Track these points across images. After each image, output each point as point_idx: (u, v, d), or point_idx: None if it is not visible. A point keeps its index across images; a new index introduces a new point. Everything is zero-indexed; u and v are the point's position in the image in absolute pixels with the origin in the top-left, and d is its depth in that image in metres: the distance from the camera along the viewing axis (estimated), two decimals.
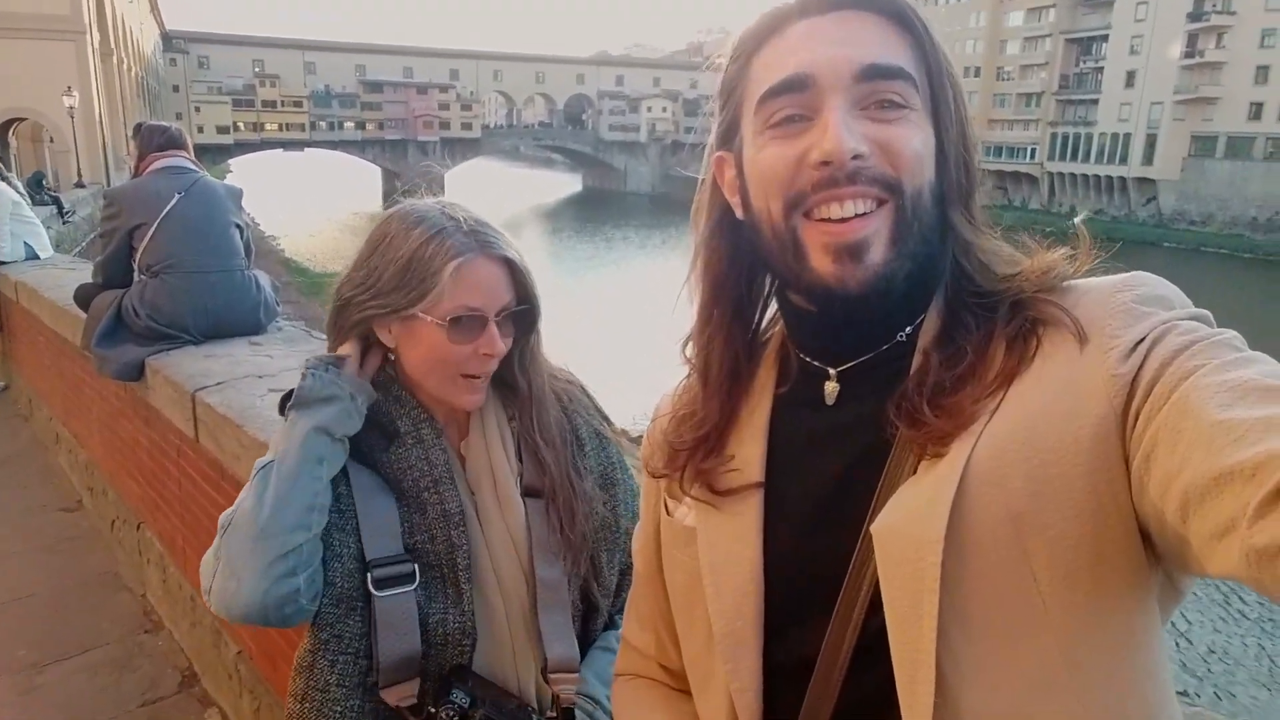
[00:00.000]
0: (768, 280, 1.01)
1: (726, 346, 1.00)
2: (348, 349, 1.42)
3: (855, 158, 0.83)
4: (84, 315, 3.89)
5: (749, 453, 0.98)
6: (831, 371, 0.94)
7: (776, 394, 0.99)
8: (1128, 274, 0.85)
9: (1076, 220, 0.87)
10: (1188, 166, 62.88)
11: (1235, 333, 0.76)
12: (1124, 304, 0.81)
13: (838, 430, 0.93)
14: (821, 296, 0.88)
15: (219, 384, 3.14)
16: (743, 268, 0.99)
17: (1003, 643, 0.80)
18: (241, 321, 3.82)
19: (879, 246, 0.84)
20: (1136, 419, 0.75)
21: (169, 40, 77.19)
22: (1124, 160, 65.52)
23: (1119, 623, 0.81)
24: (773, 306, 1.03)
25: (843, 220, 0.84)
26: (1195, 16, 62.67)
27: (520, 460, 1.45)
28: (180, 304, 3.66)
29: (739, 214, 0.96)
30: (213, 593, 1.33)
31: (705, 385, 1.02)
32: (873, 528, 0.84)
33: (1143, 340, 0.77)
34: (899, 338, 0.91)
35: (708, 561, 0.97)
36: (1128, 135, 65.76)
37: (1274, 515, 0.57)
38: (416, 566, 1.36)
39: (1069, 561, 0.78)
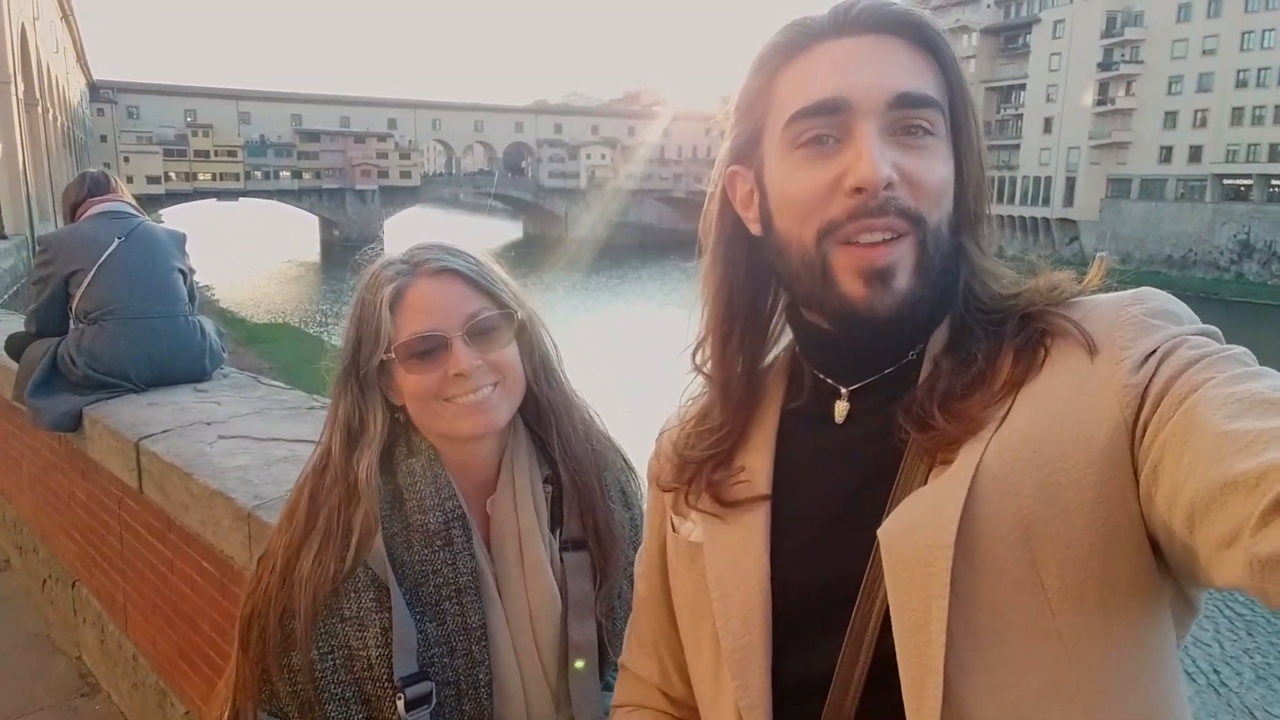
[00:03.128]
0: (775, 294, 1.01)
1: (740, 356, 1.00)
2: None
3: (886, 187, 0.83)
4: (15, 366, 3.74)
5: (757, 465, 0.98)
6: (843, 390, 0.94)
7: (785, 409, 1.00)
8: (1136, 289, 0.86)
9: (1101, 254, 0.91)
10: (1105, 207, 65.71)
11: (1244, 348, 0.76)
12: (1134, 317, 0.82)
13: (847, 445, 0.93)
14: (847, 319, 0.88)
15: (165, 432, 3.03)
16: (755, 281, 0.99)
17: (1011, 651, 0.79)
18: (186, 368, 3.71)
19: (904, 274, 0.85)
20: (1145, 430, 0.75)
21: (96, 90, 75.61)
22: (1046, 202, 68.19)
23: (1129, 635, 0.80)
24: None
25: (873, 245, 0.84)
26: (1105, 66, 66.03)
27: (555, 515, 1.36)
28: (121, 351, 3.54)
29: (754, 230, 0.95)
30: None
31: (726, 397, 1.01)
32: (880, 532, 0.83)
33: (1154, 352, 0.77)
34: (910, 356, 0.92)
35: (714, 576, 0.96)
36: (1048, 179, 68.55)
37: (1276, 524, 0.57)
38: (434, 686, 1.26)
39: (1079, 571, 0.77)
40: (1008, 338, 0.87)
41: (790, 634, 0.92)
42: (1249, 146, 59.78)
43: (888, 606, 0.82)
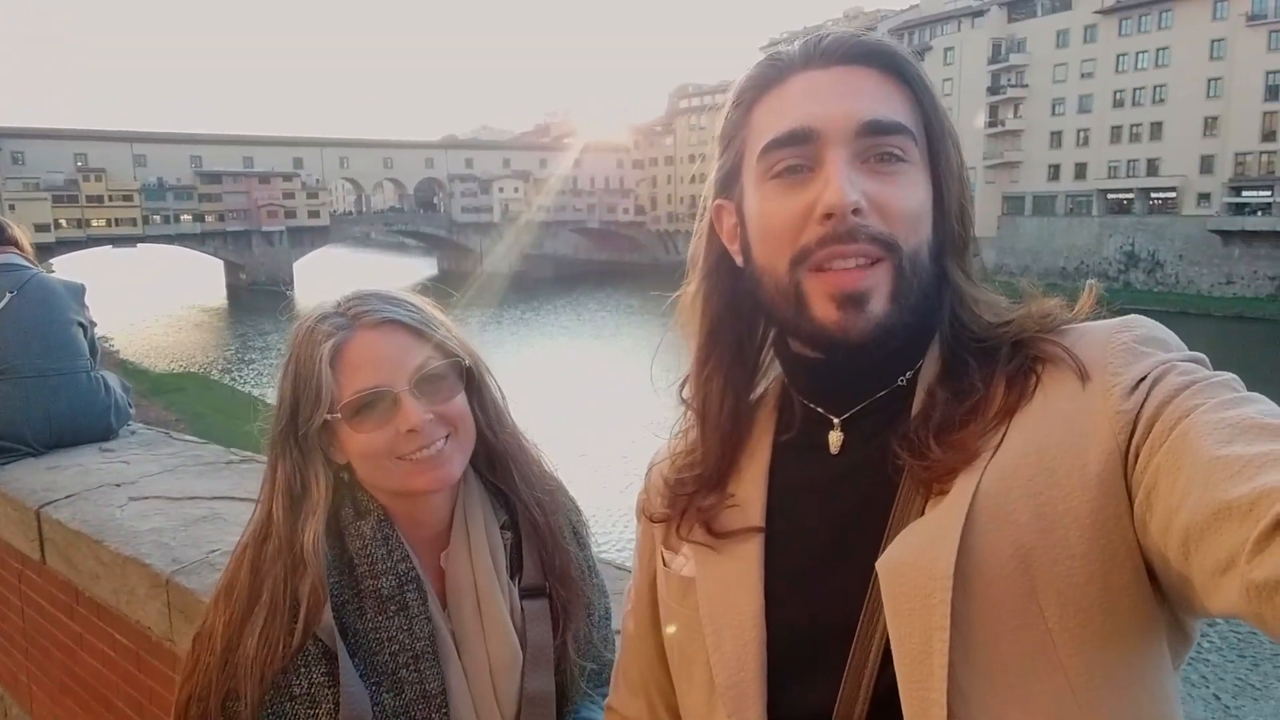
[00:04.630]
0: (764, 327, 1.01)
1: (726, 387, 1.01)
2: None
3: (855, 212, 0.84)
4: None
5: (749, 494, 0.98)
6: (835, 420, 0.94)
7: (778, 440, 1.00)
8: (1126, 316, 0.87)
9: (1091, 282, 0.91)
10: (1003, 224, 68.74)
11: (1233, 374, 0.77)
12: (1125, 343, 0.82)
13: (842, 475, 0.93)
14: (824, 344, 0.89)
15: (69, 497, 2.85)
16: (740, 313, 1.00)
17: (1013, 682, 0.78)
18: (89, 427, 3.51)
19: (879, 299, 0.85)
20: (1138, 456, 0.75)
21: None
22: None
23: (1129, 664, 0.80)
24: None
25: (845, 270, 0.85)
26: (994, 90, 69.45)
27: (514, 562, 1.31)
28: (16, 412, 3.33)
29: (738, 261, 0.97)
30: None
31: (704, 425, 1.01)
32: (878, 564, 0.82)
33: (1144, 379, 0.78)
34: (899, 382, 0.92)
35: (708, 610, 0.95)
36: None
37: (1271, 549, 0.57)
38: None
39: (1078, 599, 0.77)
40: (1000, 365, 0.87)
41: (786, 669, 0.91)
42: (1128, 163, 63.51)
43: (888, 639, 0.81)
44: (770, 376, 1.04)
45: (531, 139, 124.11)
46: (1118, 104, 63.80)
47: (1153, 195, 62.40)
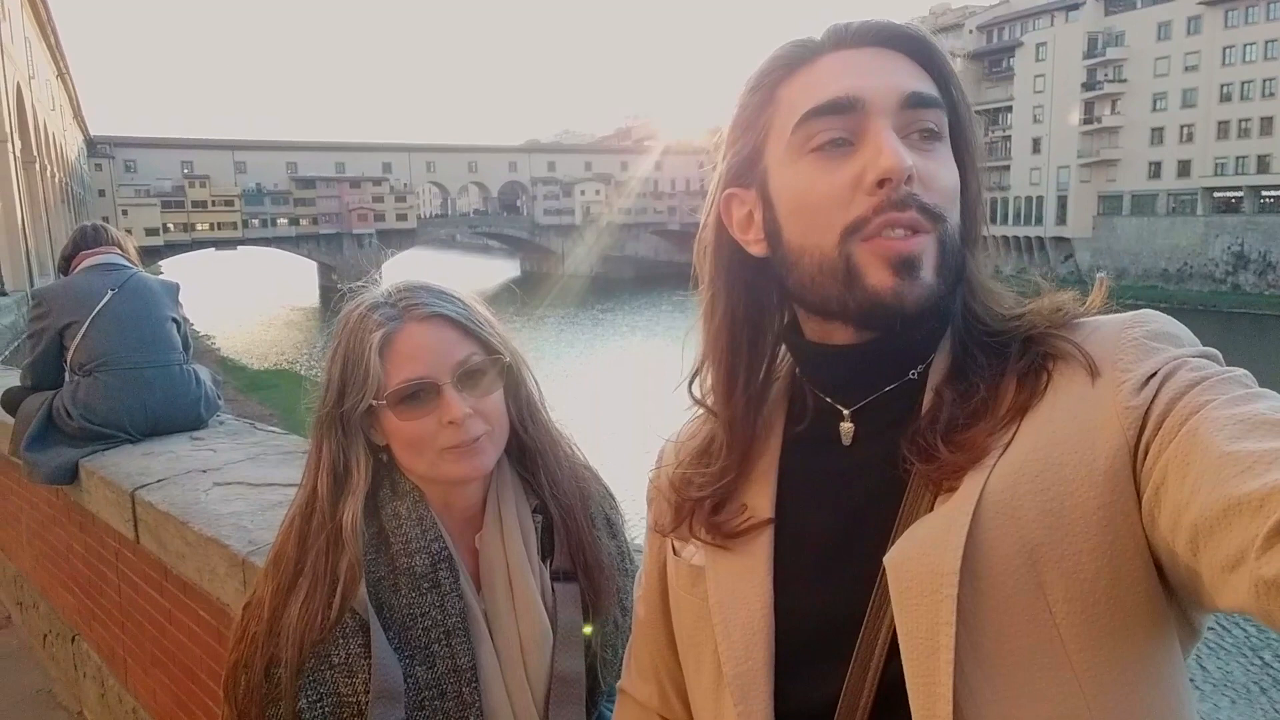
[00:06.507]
0: (779, 318, 1.00)
1: (742, 386, 0.99)
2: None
3: (907, 180, 0.83)
4: (12, 420, 3.75)
5: (759, 493, 0.97)
6: (845, 412, 0.93)
7: (789, 432, 0.99)
8: (1137, 311, 0.86)
9: (1101, 274, 0.91)
10: (1098, 224, 66.09)
11: (1245, 370, 0.77)
12: (1135, 339, 0.82)
13: (851, 469, 0.92)
14: (877, 316, 0.86)
15: (160, 481, 3.03)
16: (757, 307, 0.98)
17: (1021, 677, 0.79)
18: (181, 417, 3.72)
19: (929, 268, 0.84)
20: (1147, 452, 0.75)
21: (94, 145, 76.23)
22: (1039, 221, 68.55)
23: (1138, 659, 0.80)
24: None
25: (898, 239, 0.84)
26: (1089, 85, 66.79)
27: (545, 545, 1.36)
28: (116, 402, 3.55)
29: (755, 251, 0.94)
30: None
31: (730, 429, 0.99)
32: (886, 559, 0.83)
33: (1155, 374, 0.78)
34: (910, 375, 0.91)
35: (716, 600, 0.95)
36: (1040, 198, 68.96)
37: None
38: None
39: (1085, 595, 0.77)
40: (1010, 362, 0.87)
41: (794, 659, 0.91)
42: (1237, 159, 60.21)
43: (894, 632, 0.82)
44: (781, 370, 1.04)
45: (613, 142, 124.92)
46: (1225, 98, 60.60)
47: (1263, 193, 59.04)
